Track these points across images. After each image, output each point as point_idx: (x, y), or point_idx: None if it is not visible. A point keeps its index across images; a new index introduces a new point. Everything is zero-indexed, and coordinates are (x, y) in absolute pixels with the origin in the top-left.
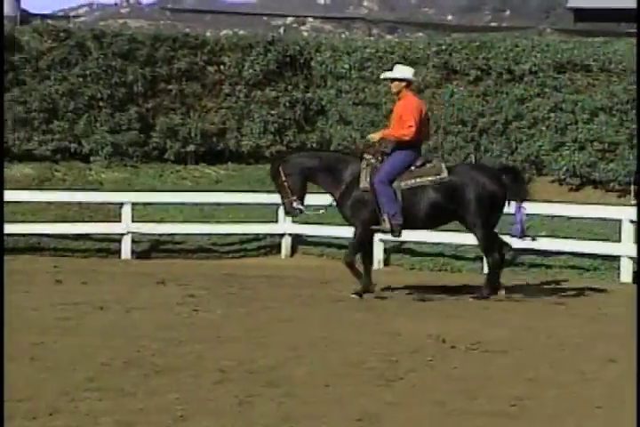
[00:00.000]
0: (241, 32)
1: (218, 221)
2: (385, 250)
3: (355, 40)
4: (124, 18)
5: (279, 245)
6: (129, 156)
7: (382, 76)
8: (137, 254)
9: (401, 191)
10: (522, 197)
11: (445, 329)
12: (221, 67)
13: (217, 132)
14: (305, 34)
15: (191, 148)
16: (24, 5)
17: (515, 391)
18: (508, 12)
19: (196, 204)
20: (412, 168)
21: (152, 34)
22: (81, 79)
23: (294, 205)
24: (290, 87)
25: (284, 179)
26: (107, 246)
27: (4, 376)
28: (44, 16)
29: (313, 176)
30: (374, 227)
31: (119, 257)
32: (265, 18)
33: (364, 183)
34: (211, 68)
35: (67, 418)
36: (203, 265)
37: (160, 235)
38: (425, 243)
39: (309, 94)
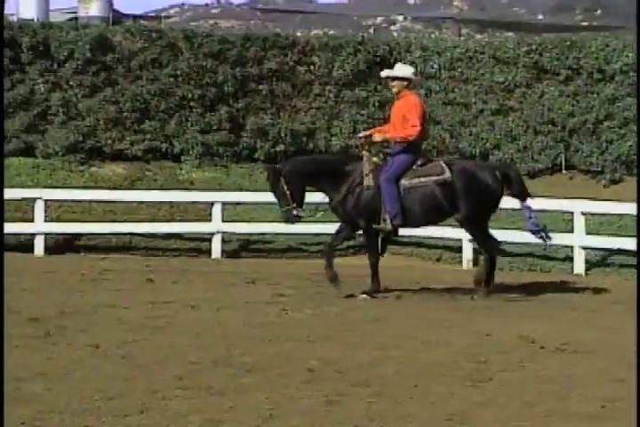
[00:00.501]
0: (331, 32)
1: (308, 221)
2: (474, 250)
3: (444, 40)
4: (215, 18)
5: None
6: (219, 155)
7: (383, 75)
8: (227, 254)
9: (403, 190)
10: (524, 195)
11: (534, 330)
12: (311, 67)
13: (307, 132)
14: (395, 34)
15: (281, 147)
16: (116, 6)
17: (605, 393)
18: (599, 12)
19: None
20: (414, 167)
21: (243, 34)
22: (172, 79)
23: (294, 212)
24: (379, 87)
25: (285, 187)
26: (197, 246)
27: (97, 374)
28: (135, 17)
29: (314, 181)
30: (375, 226)
31: (209, 256)
32: (355, 18)
33: (369, 181)
34: (301, 68)
35: (157, 416)
36: (292, 264)
37: (250, 234)
38: (514, 243)
39: None
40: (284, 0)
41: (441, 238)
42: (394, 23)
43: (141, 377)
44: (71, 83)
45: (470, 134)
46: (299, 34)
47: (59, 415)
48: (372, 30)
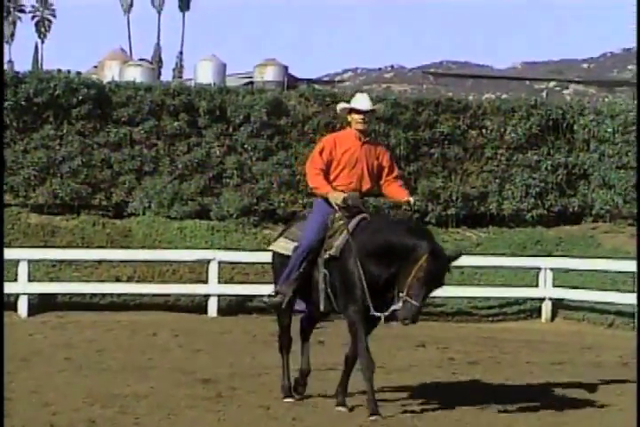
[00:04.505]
0: (503, 96)
1: (478, 284)
2: None
3: (619, 104)
4: (388, 82)
5: (539, 310)
6: None
7: (351, 106)
8: None
9: None
10: None
11: None
12: (483, 130)
13: (478, 196)
14: (567, 97)
15: (452, 211)
16: (291, 71)
17: None
18: None
19: (455, 267)
20: None
21: (415, 98)
22: None
23: None
24: (552, 151)
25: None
26: None
27: None
28: (309, 81)
29: None
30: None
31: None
32: (527, 82)
33: None
34: (473, 132)
35: None
36: (462, 328)
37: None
38: None
39: (571, 158)
40: (456, 64)
41: (613, 304)
42: (567, 87)
43: None
44: (246, 146)
45: None
46: (471, 98)
47: None
48: (544, 94)
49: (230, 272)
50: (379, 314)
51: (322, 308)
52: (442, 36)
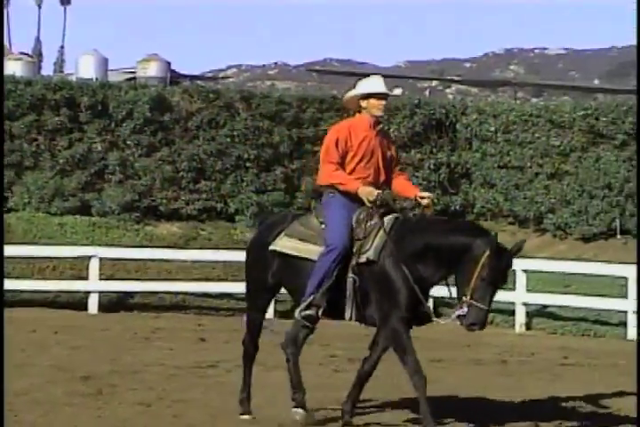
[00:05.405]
0: None
1: None
2: (527, 313)
3: (500, 103)
4: (272, 79)
5: None
6: None
7: (371, 90)
8: (280, 314)
9: None
10: None
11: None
12: None
13: None
14: (450, 97)
15: None
16: (174, 66)
17: None
18: None
19: None
20: None
21: (299, 95)
22: (229, 140)
23: None
24: (435, 150)
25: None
26: None
27: None
28: (193, 77)
29: None
30: None
31: None
32: (410, 80)
33: None
34: None
35: None
36: (345, 326)
37: None
38: (567, 307)
39: (454, 157)
40: (339, 62)
41: (493, 301)
42: (449, 86)
43: None
44: (128, 142)
45: (525, 198)
46: None
47: None
48: (427, 93)
49: (111, 269)
50: (443, 322)
51: (347, 316)
52: (325, 34)
